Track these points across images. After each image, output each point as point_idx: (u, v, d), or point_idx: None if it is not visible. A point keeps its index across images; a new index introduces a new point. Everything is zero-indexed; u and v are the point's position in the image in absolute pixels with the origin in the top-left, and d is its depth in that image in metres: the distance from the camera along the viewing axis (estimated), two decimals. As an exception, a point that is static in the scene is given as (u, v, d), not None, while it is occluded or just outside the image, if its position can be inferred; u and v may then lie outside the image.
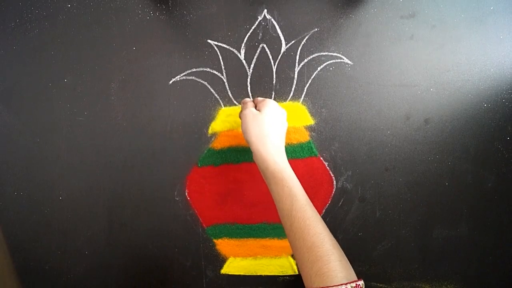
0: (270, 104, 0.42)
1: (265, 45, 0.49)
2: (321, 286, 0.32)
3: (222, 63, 0.50)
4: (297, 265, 0.37)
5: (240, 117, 0.43)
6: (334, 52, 0.48)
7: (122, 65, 0.51)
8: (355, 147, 0.48)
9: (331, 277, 0.33)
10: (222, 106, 0.50)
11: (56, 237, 0.54)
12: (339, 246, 0.36)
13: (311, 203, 0.38)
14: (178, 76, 0.50)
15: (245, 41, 0.49)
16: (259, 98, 0.45)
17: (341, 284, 0.32)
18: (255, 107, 0.43)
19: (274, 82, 0.49)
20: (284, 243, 0.50)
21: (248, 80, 0.49)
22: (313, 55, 0.48)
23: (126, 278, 0.53)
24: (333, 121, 0.48)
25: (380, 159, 0.47)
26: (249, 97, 0.49)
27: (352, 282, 0.32)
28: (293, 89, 0.49)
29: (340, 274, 0.33)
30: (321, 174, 0.48)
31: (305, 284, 0.35)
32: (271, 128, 0.41)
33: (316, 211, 0.38)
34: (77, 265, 0.54)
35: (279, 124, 0.42)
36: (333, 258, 0.34)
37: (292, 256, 0.50)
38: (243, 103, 0.45)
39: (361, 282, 0.33)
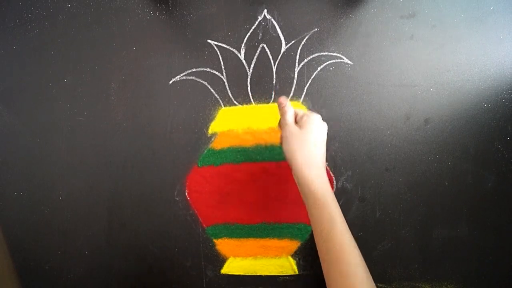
0: (315, 121, 0.40)
1: (265, 45, 0.49)
2: None
3: (222, 63, 0.50)
4: None
5: (281, 130, 0.41)
6: (334, 52, 0.48)
7: (122, 65, 0.51)
8: (355, 147, 0.48)
9: None
10: (222, 106, 0.50)
11: (56, 237, 0.54)
12: (371, 276, 0.36)
13: (349, 231, 0.38)
14: (178, 76, 0.50)
15: (245, 41, 0.49)
16: (299, 111, 0.42)
17: None
18: (295, 117, 0.41)
19: (274, 82, 0.49)
20: (284, 243, 0.50)
21: (248, 80, 0.49)
22: (313, 55, 0.48)
23: (126, 278, 0.53)
24: (333, 121, 0.48)
25: (380, 159, 0.47)
26: (248, 97, 0.49)
27: None
28: (293, 89, 0.49)
29: None
30: (321, 174, 0.48)
31: None
32: (317, 149, 0.39)
33: (353, 239, 0.38)
34: (77, 265, 0.54)
35: (323, 144, 0.40)
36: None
37: (292, 256, 0.50)
38: (282, 112, 0.41)
39: None
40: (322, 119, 0.48)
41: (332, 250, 0.36)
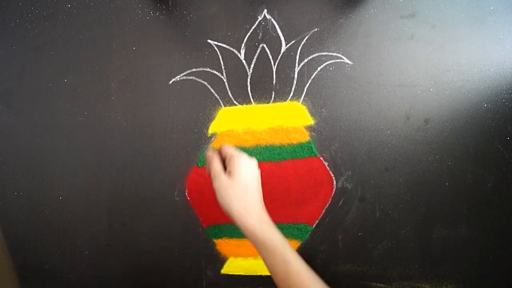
0: (241, 164, 0.39)
1: (265, 45, 0.49)
2: None
3: (222, 63, 0.50)
4: None
5: (213, 183, 0.40)
6: (334, 52, 0.48)
7: (122, 65, 0.51)
8: (355, 147, 0.48)
9: None
10: (222, 106, 0.50)
11: (56, 237, 0.54)
12: None
13: (306, 266, 0.37)
14: (178, 76, 0.50)
15: (245, 41, 0.49)
16: (228, 151, 0.41)
17: None
18: (224, 162, 0.41)
19: (274, 82, 0.49)
20: (284, 243, 0.50)
21: (248, 80, 0.49)
22: (313, 55, 0.48)
23: (126, 278, 0.53)
24: (333, 121, 0.48)
25: (380, 159, 0.47)
26: (248, 97, 0.49)
27: None
28: (293, 89, 0.49)
29: None
30: (321, 174, 0.48)
31: None
32: (249, 194, 0.39)
33: (313, 272, 0.37)
34: (77, 265, 0.54)
35: (256, 185, 0.40)
36: None
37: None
38: (209, 163, 0.41)
39: None
40: (322, 119, 0.48)
41: None
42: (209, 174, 0.41)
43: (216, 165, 0.40)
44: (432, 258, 0.48)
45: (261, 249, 0.38)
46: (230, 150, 0.41)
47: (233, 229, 0.51)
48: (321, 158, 0.48)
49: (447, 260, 0.47)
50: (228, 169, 0.40)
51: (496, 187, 0.46)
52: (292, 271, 0.36)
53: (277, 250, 0.37)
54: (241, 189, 0.38)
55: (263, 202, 0.40)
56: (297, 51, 0.48)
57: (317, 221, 0.49)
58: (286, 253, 0.37)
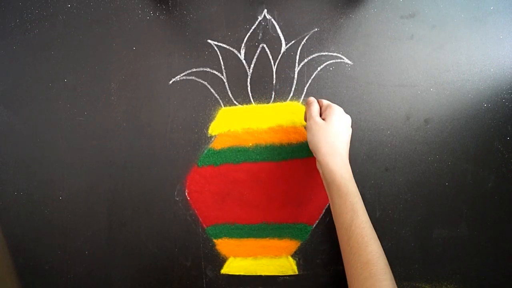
0: (337, 112, 0.42)
1: (265, 45, 0.49)
2: None
3: (222, 63, 0.50)
4: (347, 279, 0.38)
5: (306, 125, 0.43)
6: (334, 52, 0.48)
7: (122, 65, 0.51)
8: (355, 147, 0.48)
9: None
10: (222, 106, 0.50)
11: (56, 237, 0.54)
12: (390, 269, 0.37)
13: (370, 222, 0.38)
14: (178, 76, 0.50)
15: (245, 41, 0.49)
16: (325, 102, 0.44)
17: None
18: (320, 110, 0.43)
19: (274, 82, 0.49)
20: (284, 243, 0.50)
21: (248, 80, 0.49)
22: (313, 55, 0.48)
23: (126, 278, 0.53)
24: (333, 121, 0.48)
25: (380, 159, 0.47)
26: (248, 97, 0.49)
27: None
28: (293, 89, 0.49)
29: None
30: (321, 174, 0.48)
31: None
32: (339, 139, 0.41)
33: (374, 231, 0.38)
34: (77, 265, 0.54)
35: (346, 135, 0.42)
36: (385, 277, 0.35)
37: (292, 256, 0.50)
38: (308, 106, 0.43)
39: None
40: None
41: (354, 240, 0.37)
42: (305, 117, 0.44)
43: (314, 107, 0.43)
44: (432, 258, 0.48)
45: (333, 192, 0.40)
46: (328, 102, 0.44)
47: (233, 229, 0.51)
48: (321, 158, 0.48)
49: (447, 260, 0.47)
50: (323, 115, 0.42)
51: (496, 187, 0.46)
52: (358, 221, 0.37)
53: (349, 196, 0.38)
54: (333, 132, 0.40)
55: (348, 151, 0.42)
56: (297, 51, 0.48)
57: (317, 221, 0.49)
58: (357, 203, 0.38)
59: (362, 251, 0.36)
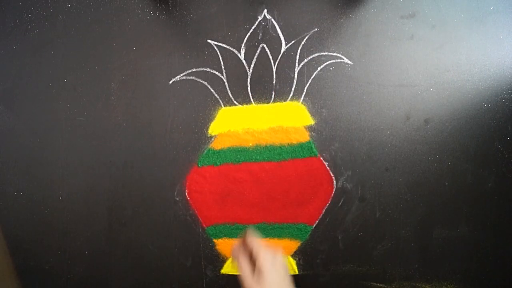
0: (268, 271, 0.37)
1: (265, 45, 0.49)
2: None
3: (222, 63, 0.50)
4: None
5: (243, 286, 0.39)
6: (334, 52, 0.48)
7: (122, 65, 0.51)
8: (355, 147, 0.48)
9: None
10: (222, 106, 0.50)
11: (56, 237, 0.54)
12: None
13: None
14: (178, 76, 0.50)
15: (245, 41, 0.49)
16: (253, 248, 0.39)
17: None
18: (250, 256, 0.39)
19: (274, 82, 0.49)
20: (284, 243, 0.50)
21: (248, 80, 0.49)
22: (313, 55, 0.48)
23: (126, 278, 0.53)
24: (333, 121, 0.48)
25: (380, 159, 0.47)
26: (248, 97, 0.49)
27: None
28: (293, 89, 0.49)
29: None
30: (321, 174, 0.48)
31: None
32: None
33: None
34: (77, 265, 0.54)
35: (284, 285, 0.38)
36: None
37: (292, 256, 0.50)
38: (237, 261, 0.40)
39: None
40: (322, 119, 0.48)
41: None
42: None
43: (243, 268, 0.39)
44: (432, 258, 0.48)
45: None
46: (255, 246, 0.40)
47: (233, 229, 0.51)
48: (321, 158, 0.48)
49: (447, 260, 0.47)
50: (255, 271, 0.38)
51: (496, 187, 0.46)
52: None
53: None
54: None
55: None
56: (297, 51, 0.48)
57: (317, 221, 0.49)
58: None
59: None
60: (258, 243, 0.40)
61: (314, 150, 0.48)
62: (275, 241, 0.50)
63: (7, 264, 0.56)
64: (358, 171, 0.48)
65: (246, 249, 0.41)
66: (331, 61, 0.48)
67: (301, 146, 0.48)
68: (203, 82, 0.50)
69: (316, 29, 0.48)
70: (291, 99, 0.49)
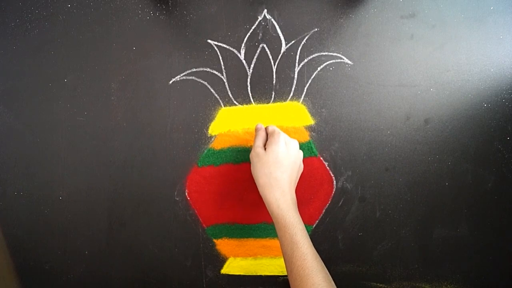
0: (277, 141, 0.40)
1: (265, 45, 0.49)
2: None
3: (222, 63, 0.50)
4: None
5: (250, 153, 0.43)
6: (334, 52, 0.48)
7: (122, 65, 0.51)
8: (355, 147, 0.48)
9: None
10: (222, 106, 0.50)
11: (56, 237, 0.54)
12: None
13: (314, 251, 0.37)
14: (178, 76, 0.50)
15: (245, 41, 0.49)
16: (270, 129, 0.43)
17: None
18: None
19: (274, 82, 0.49)
20: (284, 243, 0.50)
21: (248, 80, 0.49)
22: (313, 55, 0.48)
23: (126, 278, 0.53)
24: (333, 121, 0.48)
25: (380, 159, 0.47)
26: (248, 97, 0.49)
27: None
28: (293, 89, 0.49)
29: None
30: (321, 174, 0.48)
31: None
32: (279, 169, 0.40)
33: (319, 259, 0.37)
34: (77, 265, 0.54)
35: (289, 163, 0.41)
36: None
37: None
38: (256, 133, 0.44)
39: None
40: (322, 119, 0.48)
41: (295, 272, 0.36)
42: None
43: (259, 137, 0.43)
44: (432, 258, 0.48)
45: (275, 224, 0.39)
46: (273, 128, 0.43)
47: (233, 229, 0.51)
48: (321, 158, 0.48)
49: (447, 260, 0.47)
50: (267, 143, 0.42)
51: (496, 187, 0.46)
52: (298, 252, 0.36)
53: (287, 229, 0.37)
54: (271, 163, 0.39)
55: (294, 182, 0.41)
56: (297, 51, 0.48)
57: (317, 221, 0.49)
58: (296, 234, 0.37)
59: (304, 284, 0.35)
60: (277, 128, 0.43)
61: (314, 150, 0.48)
62: (275, 241, 0.50)
63: (7, 264, 0.56)
64: (358, 171, 0.48)
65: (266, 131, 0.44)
66: (331, 61, 0.48)
67: (301, 146, 0.48)
68: (203, 82, 0.50)
69: (316, 29, 0.48)
70: (291, 99, 0.49)
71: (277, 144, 0.40)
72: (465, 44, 0.46)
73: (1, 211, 0.55)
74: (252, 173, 0.42)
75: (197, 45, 0.50)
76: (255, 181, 0.41)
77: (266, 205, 0.40)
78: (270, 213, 0.40)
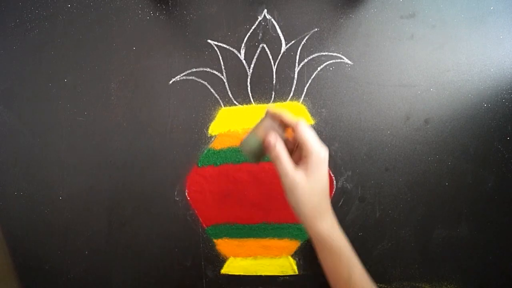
0: (324, 165, 0.35)
1: (265, 45, 0.49)
2: None
3: (222, 63, 0.50)
4: None
5: (282, 180, 0.35)
6: (334, 52, 0.48)
7: (122, 65, 0.51)
8: (355, 147, 0.48)
9: None
10: (222, 106, 0.50)
11: (56, 237, 0.54)
12: None
13: (364, 270, 0.37)
14: (178, 76, 0.50)
15: (245, 41, 0.49)
16: (299, 135, 0.35)
17: None
18: (293, 149, 0.37)
19: (274, 82, 0.49)
20: (284, 243, 0.50)
21: (248, 80, 0.49)
22: (313, 55, 0.48)
23: (126, 278, 0.53)
24: (333, 121, 0.48)
25: (380, 159, 0.47)
26: (249, 97, 0.49)
27: None
28: (293, 89, 0.49)
29: None
30: (321, 174, 0.48)
31: None
32: (324, 197, 0.36)
33: (370, 278, 0.37)
34: (77, 265, 0.54)
35: (328, 183, 0.36)
36: None
37: (292, 256, 0.50)
38: (273, 155, 0.35)
39: None
40: (322, 119, 0.48)
41: None
42: (272, 161, 0.36)
43: (284, 160, 0.34)
44: (432, 258, 0.48)
45: (325, 251, 0.37)
46: (302, 133, 0.34)
47: (233, 229, 0.51)
48: (321, 158, 0.48)
49: (447, 260, 0.47)
50: (302, 162, 0.34)
51: (496, 187, 0.46)
52: (356, 275, 0.36)
53: (343, 254, 0.36)
54: (318, 191, 0.35)
55: (329, 201, 0.37)
56: (297, 51, 0.48)
57: (317, 221, 0.49)
58: (352, 258, 0.37)
59: None
60: (306, 130, 0.34)
61: (314, 150, 0.48)
62: (275, 241, 0.50)
63: (7, 264, 0.56)
64: (358, 171, 0.48)
65: (279, 124, 0.36)
66: (331, 61, 0.48)
67: (301, 146, 0.48)
68: (203, 82, 0.50)
69: (316, 29, 0.48)
70: (291, 99, 0.49)
71: (319, 164, 0.34)
72: (465, 44, 0.46)
73: (1, 211, 0.55)
74: (291, 202, 0.36)
75: (197, 45, 0.50)
76: (296, 211, 0.36)
77: (315, 236, 0.37)
78: (319, 242, 0.36)
